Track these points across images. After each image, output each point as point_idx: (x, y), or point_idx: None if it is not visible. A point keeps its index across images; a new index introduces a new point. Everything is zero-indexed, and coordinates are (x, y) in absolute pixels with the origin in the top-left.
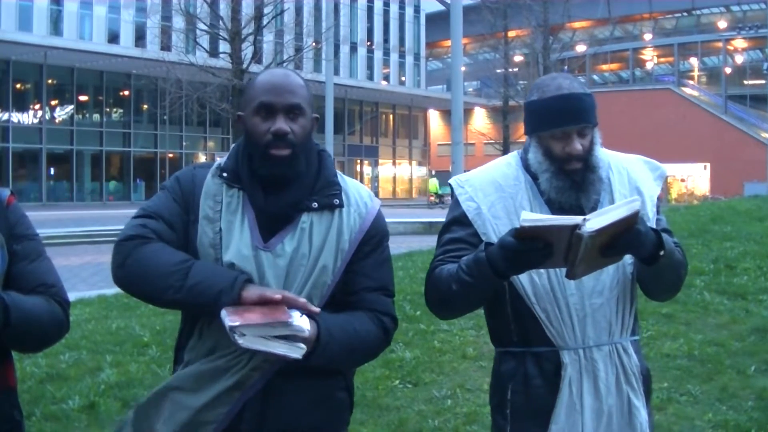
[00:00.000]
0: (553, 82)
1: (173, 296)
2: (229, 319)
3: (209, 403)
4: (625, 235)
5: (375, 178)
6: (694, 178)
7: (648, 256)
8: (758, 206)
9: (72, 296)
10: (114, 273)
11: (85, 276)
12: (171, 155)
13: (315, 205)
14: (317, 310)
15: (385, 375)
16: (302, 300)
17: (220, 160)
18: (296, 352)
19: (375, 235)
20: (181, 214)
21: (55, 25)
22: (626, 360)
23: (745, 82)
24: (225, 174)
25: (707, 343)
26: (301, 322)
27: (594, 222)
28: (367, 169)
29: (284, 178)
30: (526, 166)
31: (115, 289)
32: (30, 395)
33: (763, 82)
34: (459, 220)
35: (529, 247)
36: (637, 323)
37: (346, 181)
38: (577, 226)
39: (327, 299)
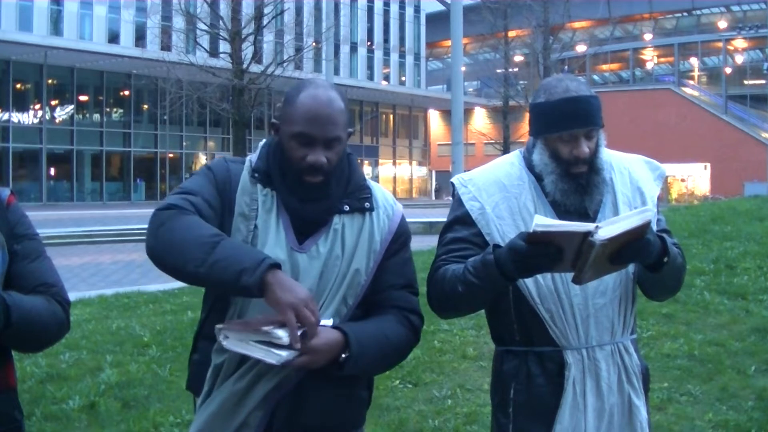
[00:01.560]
0: (559, 84)
1: (195, 269)
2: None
3: (252, 409)
4: (634, 244)
5: (375, 178)
6: (694, 178)
7: (653, 263)
8: (758, 206)
9: (72, 296)
10: (147, 241)
11: (85, 276)
12: (171, 155)
13: (346, 207)
14: (328, 323)
15: (385, 375)
16: (312, 320)
17: (251, 156)
18: (273, 358)
19: (401, 235)
20: (217, 197)
21: (56, 25)
22: (627, 359)
23: (746, 82)
24: (257, 175)
25: (707, 343)
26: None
27: (606, 230)
28: (368, 169)
29: (316, 200)
30: (529, 166)
31: (115, 289)
32: (30, 395)
33: (763, 82)
34: (462, 219)
35: (540, 251)
36: (635, 322)
37: (373, 186)
38: (589, 233)
39: (359, 299)
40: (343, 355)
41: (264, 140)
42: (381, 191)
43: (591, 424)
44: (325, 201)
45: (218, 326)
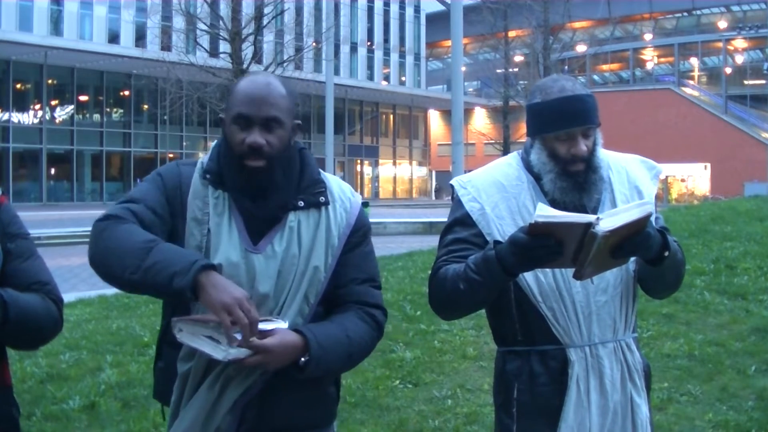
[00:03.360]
0: (555, 84)
1: (130, 276)
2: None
3: (224, 415)
4: (635, 237)
5: (375, 178)
6: (694, 178)
7: (654, 257)
8: (758, 206)
9: (72, 296)
10: (88, 252)
11: (85, 276)
12: (171, 155)
13: (301, 203)
14: (283, 325)
15: (386, 375)
16: (245, 321)
17: (203, 158)
18: (219, 353)
19: (360, 229)
20: (164, 204)
21: (56, 25)
22: (630, 357)
23: (746, 82)
24: (208, 176)
25: (707, 343)
26: (277, 325)
27: (608, 222)
28: (368, 169)
29: (260, 188)
30: (527, 167)
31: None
32: (30, 395)
33: (763, 82)
34: (462, 220)
35: (541, 243)
36: (636, 320)
37: (329, 179)
38: (590, 225)
39: (320, 296)
40: (303, 359)
41: (215, 141)
42: (337, 184)
43: (595, 422)
44: (275, 195)
45: (174, 319)
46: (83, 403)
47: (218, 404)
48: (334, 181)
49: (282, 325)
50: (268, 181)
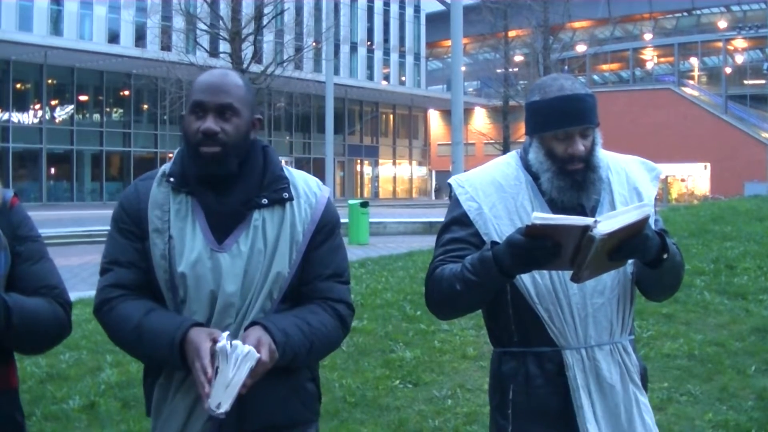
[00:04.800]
0: (554, 82)
1: (142, 359)
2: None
3: (205, 421)
4: (633, 240)
5: (375, 178)
6: (694, 178)
7: (652, 259)
8: (758, 206)
9: (72, 296)
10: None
11: (85, 276)
12: (171, 155)
13: (265, 201)
14: (222, 337)
15: (385, 375)
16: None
17: (165, 166)
18: (250, 357)
19: (327, 224)
20: (134, 242)
21: (56, 25)
22: (627, 359)
23: (746, 82)
24: (172, 179)
25: (707, 343)
26: (243, 348)
27: (606, 224)
28: (367, 169)
29: (216, 177)
30: (526, 166)
31: None
32: (30, 395)
33: (763, 82)
34: (459, 220)
35: (538, 245)
36: (633, 323)
37: (293, 174)
38: (588, 228)
39: (284, 293)
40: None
41: (179, 147)
42: (302, 179)
43: (603, 425)
44: (236, 190)
45: (213, 411)
46: (83, 403)
47: (196, 409)
48: (299, 176)
49: (222, 337)
50: (223, 169)
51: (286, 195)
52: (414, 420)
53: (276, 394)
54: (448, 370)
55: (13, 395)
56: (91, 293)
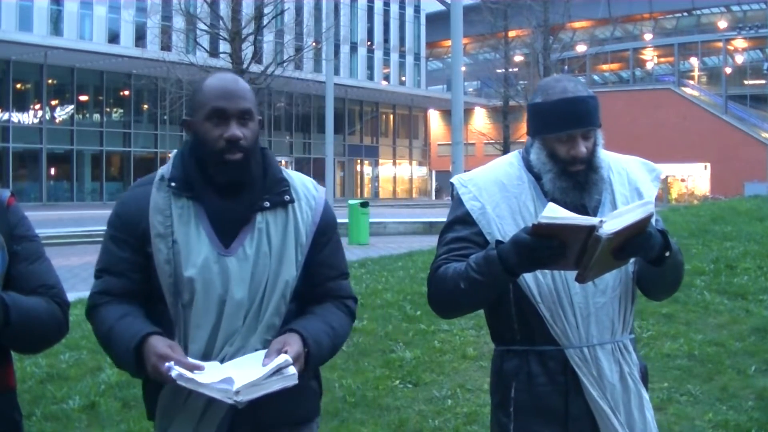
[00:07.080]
0: (557, 84)
1: (117, 365)
2: (229, 391)
3: (220, 421)
4: (637, 238)
5: (375, 178)
6: (694, 178)
7: (655, 257)
8: (758, 206)
9: (72, 296)
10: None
11: (85, 276)
12: (171, 155)
13: (267, 204)
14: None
15: (385, 375)
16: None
17: (162, 170)
18: (291, 380)
19: (327, 225)
20: (125, 252)
21: (56, 25)
22: (627, 357)
23: (746, 82)
24: (174, 183)
25: (707, 343)
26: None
27: (611, 224)
28: (367, 169)
29: (240, 183)
30: (528, 166)
31: None
32: (30, 395)
33: (763, 82)
34: (462, 219)
35: (544, 244)
36: (634, 322)
37: (292, 176)
38: (594, 228)
39: (293, 293)
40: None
41: (175, 151)
42: (300, 180)
43: (608, 423)
44: (245, 193)
45: (234, 399)
46: (83, 403)
47: (208, 411)
48: (296, 177)
49: (292, 368)
50: (247, 175)
51: (287, 197)
52: (414, 420)
53: (286, 393)
54: (449, 370)
55: (11, 395)
56: None
